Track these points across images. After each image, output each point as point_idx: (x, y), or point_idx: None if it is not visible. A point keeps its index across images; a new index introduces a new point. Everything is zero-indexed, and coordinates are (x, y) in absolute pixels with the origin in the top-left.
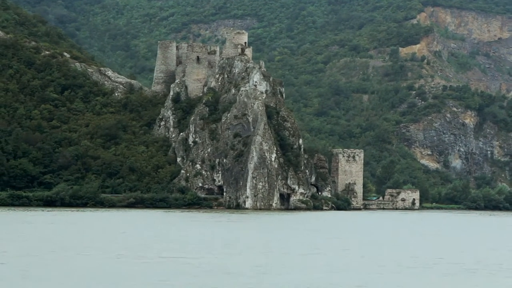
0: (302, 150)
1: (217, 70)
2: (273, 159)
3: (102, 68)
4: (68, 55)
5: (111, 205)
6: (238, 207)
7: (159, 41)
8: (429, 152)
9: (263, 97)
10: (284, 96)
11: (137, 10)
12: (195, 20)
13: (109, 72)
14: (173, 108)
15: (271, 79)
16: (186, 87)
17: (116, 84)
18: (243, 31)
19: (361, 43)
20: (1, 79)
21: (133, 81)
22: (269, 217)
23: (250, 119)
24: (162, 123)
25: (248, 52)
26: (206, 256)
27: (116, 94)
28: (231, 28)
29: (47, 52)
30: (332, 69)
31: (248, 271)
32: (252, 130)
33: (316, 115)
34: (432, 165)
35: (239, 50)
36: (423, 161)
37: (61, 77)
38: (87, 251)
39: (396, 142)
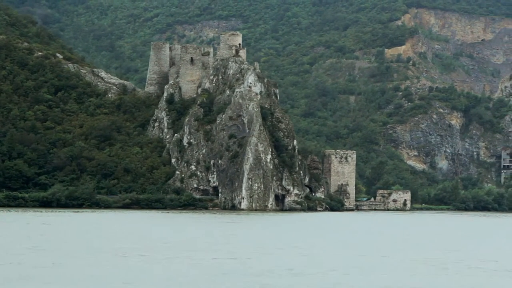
0: (296, 151)
1: (211, 71)
2: (268, 160)
3: (95, 69)
4: (61, 56)
5: (107, 206)
6: (233, 208)
7: (152, 42)
8: (416, 153)
9: (258, 98)
10: (278, 97)
11: (121, 11)
12: (180, 21)
13: (102, 73)
14: (167, 109)
15: (265, 81)
16: (180, 88)
17: (109, 85)
18: (238, 32)
19: (347, 44)
20: None
21: (126, 82)
22: (277, 218)
23: (245, 120)
24: (156, 124)
25: (242, 53)
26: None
27: (110, 95)
28: (216, 29)
29: (40, 53)
30: (318, 70)
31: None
32: (247, 131)
33: (303, 116)
34: (419, 166)
35: (233, 52)
36: (410, 162)
37: (54, 78)
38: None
39: (383, 143)
